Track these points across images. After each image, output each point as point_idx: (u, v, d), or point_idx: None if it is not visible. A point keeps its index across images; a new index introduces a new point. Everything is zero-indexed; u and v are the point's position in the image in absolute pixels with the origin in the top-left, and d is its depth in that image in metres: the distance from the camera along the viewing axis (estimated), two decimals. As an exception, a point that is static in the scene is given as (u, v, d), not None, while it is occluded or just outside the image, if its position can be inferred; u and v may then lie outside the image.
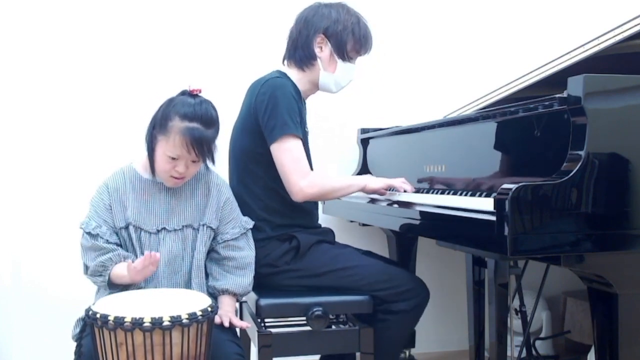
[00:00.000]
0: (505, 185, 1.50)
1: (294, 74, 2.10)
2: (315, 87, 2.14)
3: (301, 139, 1.96)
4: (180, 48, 2.91)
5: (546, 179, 1.51)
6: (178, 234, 1.88)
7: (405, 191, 2.13)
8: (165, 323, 1.49)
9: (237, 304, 2.10)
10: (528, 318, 2.58)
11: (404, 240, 2.83)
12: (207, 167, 1.94)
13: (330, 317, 2.02)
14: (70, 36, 2.82)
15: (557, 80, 1.88)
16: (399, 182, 2.15)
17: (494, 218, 1.50)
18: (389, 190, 2.17)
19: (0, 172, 2.79)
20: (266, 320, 2.10)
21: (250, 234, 1.99)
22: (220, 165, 1.96)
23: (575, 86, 1.54)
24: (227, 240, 1.94)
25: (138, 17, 2.88)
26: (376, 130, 2.86)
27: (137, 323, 1.48)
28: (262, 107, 1.96)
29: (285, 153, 1.93)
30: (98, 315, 1.51)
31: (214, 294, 1.91)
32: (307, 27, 2.08)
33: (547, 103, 1.66)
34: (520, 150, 1.83)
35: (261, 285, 2.01)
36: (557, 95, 1.61)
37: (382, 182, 2.14)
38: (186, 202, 1.91)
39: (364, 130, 2.96)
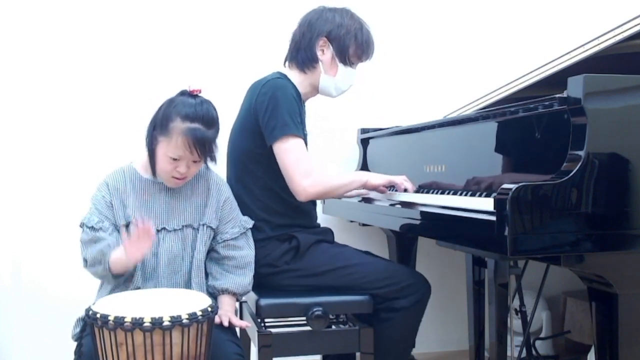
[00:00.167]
0: (505, 185, 1.50)
1: (294, 76, 2.10)
2: (316, 90, 2.14)
3: (302, 139, 1.96)
4: (180, 48, 2.91)
5: (546, 179, 1.51)
6: (178, 234, 1.89)
7: (406, 189, 2.13)
8: (166, 323, 1.49)
9: (237, 304, 2.10)
10: (528, 318, 2.58)
11: (404, 240, 2.83)
12: (207, 167, 1.94)
13: (330, 317, 2.02)
14: (71, 36, 2.82)
15: (557, 80, 1.88)
16: (400, 180, 2.15)
17: (494, 218, 1.50)
18: (390, 189, 2.17)
19: (0, 172, 2.79)
20: (266, 320, 2.10)
21: (249, 233, 2.00)
22: (220, 166, 1.97)
23: (575, 86, 1.54)
24: (227, 240, 1.94)
25: (138, 18, 2.88)
26: (376, 130, 2.86)
27: (137, 323, 1.48)
28: (262, 108, 1.96)
29: (287, 153, 1.93)
30: (98, 315, 1.51)
31: (213, 294, 1.91)
32: (311, 29, 2.08)
33: (547, 103, 1.66)
34: (520, 150, 1.83)
35: (261, 285, 2.01)
36: (557, 95, 1.61)
37: (384, 179, 2.14)
38: (186, 202, 1.91)
39: (364, 130, 2.96)
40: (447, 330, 3.15)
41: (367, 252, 2.14)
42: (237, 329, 1.93)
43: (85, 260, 1.83)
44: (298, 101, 2.00)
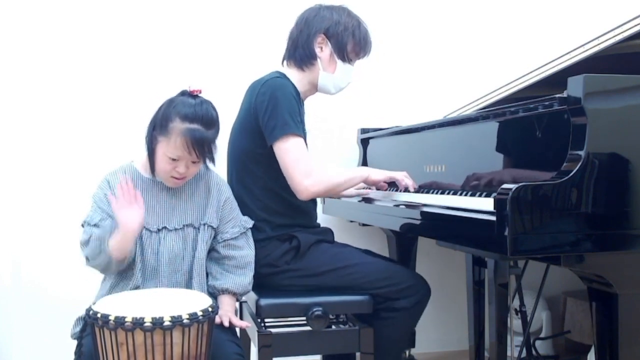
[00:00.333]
0: (505, 185, 1.50)
1: (293, 74, 2.10)
2: (314, 88, 2.14)
3: (302, 138, 1.96)
4: (181, 48, 2.91)
5: (546, 179, 1.51)
6: (179, 233, 1.89)
7: (407, 187, 2.12)
8: (166, 323, 1.49)
9: (237, 304, 2.10)
10: (528, 318, 2.58)
11: (404, 240, 2.83)
12: (207, 167, 1.94)
13: (330, 317, 2.02)
14: (71, 36, 2.82)
15: (557, 80, 1.88)
16: (401, 176, 2.14)
17: (494, 218, 1.50)
18: (391, 188, 2.17)
19: (1, 172, 2.79)
20: (266, 320, 2.10)
21: (250, 233, 2.00)
22: (220, 166, 1.97)
23: (575, 86, 1.54)
24: (227, 240, 1.94)
25: (138, 18, 2.88)
26: (376, 130, 2.86)
27: (138, 323, 1.48)
28: (262, 107, 1.96)
29: (287, 152, 1.93)
30: (99, 315, 1.51)
31: (213, 294, 1.91)
32: (308, 27, 2.09)
33: (547, 103, 1.66)
34: (520, 150, 1.84)
35: (261, 285, 2.01)
36: (557, 95, 1.61)
37: (385, 174, 2.14)
38: (187, 202, 1.91)
39: (364, 130, 2.96)
40: (447, 330, 3.16)
41: (366, 251, 2.14)
42: (237, 329, 1.93)
43: (86, 257, 1.82)
44: (297, 100, 2.00)
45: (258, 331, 1.93)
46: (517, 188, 1.45)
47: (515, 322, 2.52)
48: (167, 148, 1.79)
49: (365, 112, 3.09)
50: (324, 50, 2.09)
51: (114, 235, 1.75)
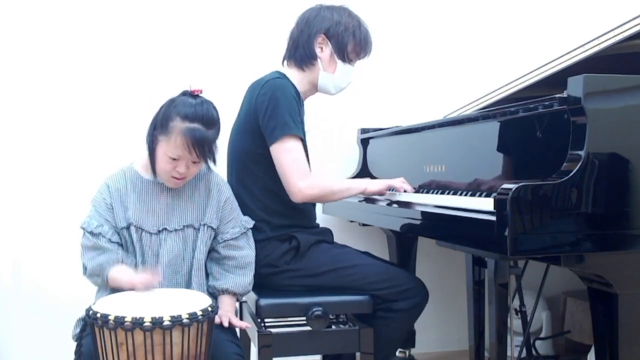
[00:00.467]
0: (505, 185, 1.50)
1: (293, 74, 2.10)
2: (315, 88, 2.14)
3: (302, 140, 1.96)
4: (181, 48, 2.91)
5: (546, 179, 1.51)
6: (179, 234, 1.89)
7: (405, 191, 2.14)
8: (166, 323, 1.49)
9: (237, 304, 2.10)
10: (528, 318, 2.58)
11: (404, 240, 2.83)
12: (208, 168, 1.94)
13: (330, 317, 2.02)
14: (71, 36, 2.82)
15: (557, 80, 1.88)
16: (399, 183, 2.16)
17: (494, 218, 1.50)
18: (390, 190, 2.17)
19: (1, 172, 2.79)
20: (266, 320, 2.10)
21: (250, 233, 2.00)
22: (220, 166, 1.96)
23: (575, 86, 1.54)
24: (227, 240, 1.94)
25: (139, 18, 2.88)
26: (376, 130, 2.86)
27: (138, 323, 1.48)
28: (262, 108, 1.96)
29: (285, 154, 1.93)
30: (98, 315, 1.51)
31: (214, 294, 1.91)
32: (309, 27, 2.08)
33: (547, 103, 1.66)
34: (520, 150, 1.83)
35: (261, 285, 2.01)
36: (557, 95, 1.61)
37: (382, 185, 2.15)
38: (187, 202, 1.91)
39: (364, 130, 2.96)
40: (447, 330, 3.15)
41: (365, 253, 2.14)
42: (237, 329, 1.93)
43: (84, 267, 1.84)
44: (298, 100, 2.00)
45: (258, 331, 1.92)
46: (517, 188, 1.45)
47: (515, 322, 2.52)
48: (168, 147, 1.79)
49: (365, 112, 3.09)
50: (324, 50, 2.09)
51: (117, 272, 1.77)
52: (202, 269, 1.91)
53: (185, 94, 1.86)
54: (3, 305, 2.80)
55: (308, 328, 1.94)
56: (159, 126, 1.81)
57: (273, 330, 1.96)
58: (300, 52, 2.09)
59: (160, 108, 1.84)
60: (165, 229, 1.87)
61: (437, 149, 2.23)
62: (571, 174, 1.49)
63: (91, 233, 1.81)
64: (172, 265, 1.87)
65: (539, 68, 2.05)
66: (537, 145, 1.72)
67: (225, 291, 1.92)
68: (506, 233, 1.45)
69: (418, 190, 2.21)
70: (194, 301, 1.62)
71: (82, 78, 2.83)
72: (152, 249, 1.85)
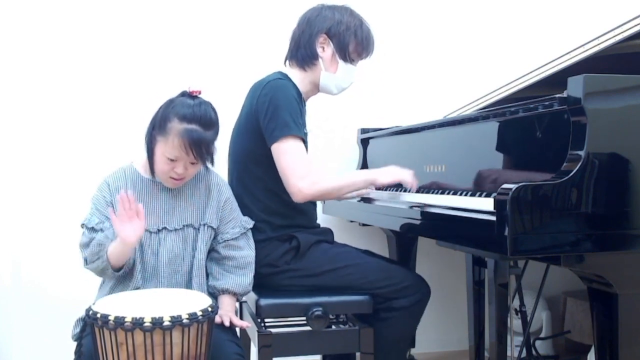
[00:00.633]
0: (505, 185, 1.50)
1: (295, 74, 2.09)
2: (316, 88, 2.14)
3: (302, 140, 1.95)
4: (181, 49, 2.91)
5: (546, 179, 1.51)
6: (179, 234, 1.89)
7: (411, 190, 2.07)
8: (166, 323, 1.49)
9: (237, 304, 2.10)
10: (528, 318, 2.58)
11: (404, 240, 2.83)
12: (207, 168, 1.94)
13: (330, 317, 2.02)
14: (71, 36, 2.82)
15: (557, 80, 1.88)
16: (410, 177, 2.05)
17: (494, 218, 1.50)
18: (390, 189, 2.15)
19: (1, 172, 2.79)
20: (266, 320, 2.10)
21: (250, 233, 2.00)
22: (220, 166, 1.96)
23: (575, 86, 1.54)
24: (227, 240, 1.94)
25: (139, 18, 2.88)
26: (376, 130, 2.86)
27: (138, 323, 1.48)
28: (263, 109, 1.95)
29: (285, 154, 1.92)
30: (98, 315, 1.51)
31: (214, 294, 1.92)
32: (310, 26, 2.08)
33: (547, 103, 1.66)
34: (520, 150, 1.83)
35: (261, 285, 2.01)
36: (557, 95, 1.61)
37: (393, 177, 2.04)
38: (187, 202, 1.91)
39: (364, 130, 2.96)
40: (447, 330, 3.15)
41: (366, 251, 2.14)
42: (237, 329, 1.93)
43: (85, 260, 1.83)
44: (299, 101, 1.99)
45: (258, 331, 1.93)
46: (517, 188, 1.45)
47: (515, 322, 2.52)
48: (165, 148, 1.79)
49: (365, 112, 3.09)
50: (325, 50, 2.08)
51: (113, 243, 1.76)
52: (203, 269, 1.91)
53: (183, 94, 1.86)
54: (3, 305, 2.80)
55: (308, 328, 1.94)
56: (157, 127, 1.81)
57: (273, 330, 1.96)
58: (301, 52, 2.08)
59: (159, 108, 1.84)
60: (165, 228, 1.87)
61: (437, 149, 2.23)
62: (571, 174, 1.49)
63: (92, 229, 1.81)
64: (171, 265, 1.87)
65: (539, 68, 2.05)
66: (537, 145, 1.72)
67: (226, 291, 1.92)
68: (506, 233, 1.45)
69: (418, 190, 2.21)
70: (194, 301, 1.62)
71: (82, 78, 2.83)
72: (151, 248, 1.85)
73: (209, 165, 1.90)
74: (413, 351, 2.86)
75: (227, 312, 1.88)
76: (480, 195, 1.82)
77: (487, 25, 3.19)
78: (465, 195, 1.90)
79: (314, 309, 1.91)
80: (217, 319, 1.79)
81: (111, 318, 1.49)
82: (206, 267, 1.94)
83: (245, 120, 2.05)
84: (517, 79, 2.16)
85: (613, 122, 1.55)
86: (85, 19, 2.83)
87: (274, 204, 2.03)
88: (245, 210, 2.02)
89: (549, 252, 1.49)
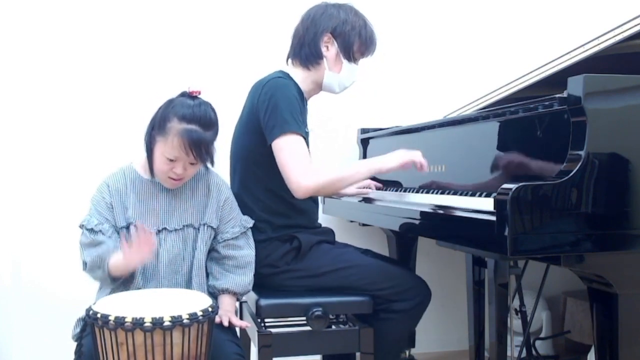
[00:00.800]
0: (505, 185, 1.50)
1: (298, 73, 2.08)
2: (319, 87, 2.13)
3: (303, 137, 1.93)
4: (181, 49, 2.91)
5: (546, 179, 1.51)
6: (179, 234, 1.89)
7: (422, 166, 1.98)
8: (166, 323, 1.49)
9: (237, 304, 2.10)
10: (528, 318, 2.58)
11: (404, 240, 2.83)
12: (206, 168, 1.94)
13: (330, 317, 2.02)
14: (71, 37, 2.82)
15: (557, 80, 1.88)
16: (419, 157, 1.98)
17: (494, 218, 1.50)
18: (388, 189, 2.14)
19: (0, 172, 2.79)
20: (266, 320, 2.10)
21: (250, 233, 1.99)
22: (221, 166, 1.96)
23: (575, 86, 1.54)
24: (227, 240, 1.94)
25: (139, 18, 2.88)
26: (376, 130, 2.86)
27: (138, 323, 1.48)
28: (263, 107, 1.94)
29: (285, 150, 1.90)
30: (99, 315, 1.51)
31: (214, 294, 1.92)
32: (315, 25, 2.06)
33: (547, 103, 1.66)
34: (520, 150, 1.83)
35: (262, 286, 2.01)
36: (557, 95, 1.61)
37: (400, 159, 1.95)
38: (186, 202, 1.91)
39: (364, 130, 2.96)
40: (447, 330, 3.16)
41: (367, 251, 2.13)
42: (237, 329, 1.93)
43: (84, 263, 1.83)
44: (300, 100, 1.98)
45: (258, 331, 1.92)
46: (517, 188, 1.45)
47: (515, 322, 2.52)
48: (165, 148, 1.79)
49: (365, 112, 3.09)
50: (329, 49, 2.06)
51: (117, 257, 1.76)
52: (203, 269, 1.91)
53: (183, 94, 1.86)
54: (3, 305, 2.80)
55: (308, 328, 1.94)
56: (157, 127, 1.81)
57: (273, 330, 1.96)
58: (305, 50, 2.07)
59: (159, 109, 1.84)
60: (165, 228, 1.87)
61: (437, 149, 2.23)
62: (571, 174, 1.49)
63: (91, 230, 1.81)
64: (172, 265, 1.87)
65: (539, 68, 2.05)
66: (537, 145, 1.72)
67: (225, 291, 1.92)
68: (506, 233, 1.45)
69: (418, 190, 2.21)
70: (194, 301, 1.62)
71: (82, 78, 2.83)
72: (151, 254, 1.85)
73: (209, 165, 1.90)
74: (413, 351, 2.86)
75: (226, 311, 1.88)
76: (480, 195, 1.82)
77: (487, 25, 3.19)
78: (465, 195, 1.90)
79: (314, 309, 1.91)
80: (217, 319, 1.79)
81: (111, 318, 1.49)
82: (206, 267, 1.94)
83: (246, 120, 2.05)
84: (517, 79, 2.16)
85: (613, 122, 1.55)
86: (85, 19, 2.83)
87: (275, 204, 2.02)
88: (245, 210, 2.02)
89: (549, 252, 1.49)
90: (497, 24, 3.20)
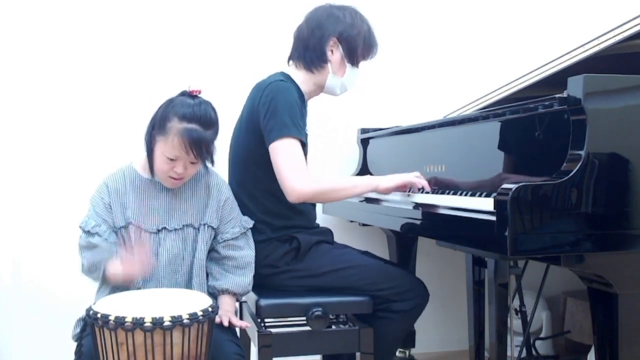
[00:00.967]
0: (505, 185, 1.50)
1: (300, 75, 2.07)
2: (320, 89, 2.12)
3: (301, 141, 1.92)
4: (182, 48, 2.91)
5: (546, 179, 1.51)
6: (178, 234, 1.89)
7: (422, 188, 2.03)
8: (166, 323, 1.49)
9: (237, 304, 2.10)
10: (528, 318, 2.58)
11: (404, 240, 2.83)
12: (206, 167, 1.94)
13: (330, 317, 2.02)
14: (71, 36, 2.82)
15: (557, 80, 1.88)
16: (415, 179, 2.03)
17: (494, 218, 1.50)
18: (407, 192, 2.11)
19: (0, 172, 2.79)
20: (266, 320, 2.10)
21: (250, 233, 1.99)
22: (220, 166, 1.96)
23: (575, 86, 1.54)
24: (227, 240, 1.94)
25: (139, 17, 2.88)
26: (376, 130, 2.86)
27: (138, 323, 1.48)
28: (263, 110, 1.94)
29: (281, 153, 1.89)
30: (99, 315, 1.51)
31: (213, 294, 1.92)
32: (321, 28, 2.03)
33: (547, 103, 1.66)
34: (520, 150, 1.84)
35: (261, 286, 2.01)
36: (557, 95, 1.61)
37: (396, 181, 2.01)
38: (186, 202, 1.91)
39: (364, 130, 2.96)
40: (447, 330, 3.16)
41: (366, 253, 2.13)
42: (237, 329, 1.93)
43: (82, 265, 1.84)
44: (300, 103, 1.97)
45: (258, 331, 1.92)
46: (517, 188, 1.45)
47: (515, 322, 2.52)
48: (165, 148, 1.79)
49: (365, 112, 3.09)
50: (334, 53, 2.05)
51: (112, 267, 1.77)
52: (203, 269, 1.91)
53: (183, 94, 1.86)
54: (3, 305, 2.80)
55: (308, 328, 1.94)
56: (157, 126, 1.81)
57: (273, 330, 1.96)
58: (310, 54, 2.04)
59: (159, 108, 1.84)
60: (165, 228, 1.87)
61: (437, 149, 2.23)
62: (571, 174, 1.49)
63: (88, 232, 1.81)
64: (171, 265, 1.87)
65: (539, 68, 2.05)
66: (537, 145, 1.72)
67: (225, 291, 1.92)
68: (506, 233, 1.45)
69: (418, 190, 2.20)
70: (195, 301, 1.62)
71: (82, 78, 2.83)
72: (151, 248, 1.85)
73: (209, 165, 1.90)
74: (413, 351, 2.86)
75: (226, 312, 1.88)
76: (480, 195, 1.82)
77: (487, 25, 3.20)
78: (465, 195, 1.90)
79: (314, 309, 1.91)
80: (217, 319, 1.79)
81: (111, 318, 1.49)
82: (206, 267, 1.94)
83: (246, 121, 2.04)
84: (517, 79, 2.16)
85: (613, 122, 1.55)
86: (85, 19, 2.83)
87: (274, 205, 2.02)
88: (245, 211, 2.02)
89: (549, 252, 1.49)
90: (497, 24, 3.20)
